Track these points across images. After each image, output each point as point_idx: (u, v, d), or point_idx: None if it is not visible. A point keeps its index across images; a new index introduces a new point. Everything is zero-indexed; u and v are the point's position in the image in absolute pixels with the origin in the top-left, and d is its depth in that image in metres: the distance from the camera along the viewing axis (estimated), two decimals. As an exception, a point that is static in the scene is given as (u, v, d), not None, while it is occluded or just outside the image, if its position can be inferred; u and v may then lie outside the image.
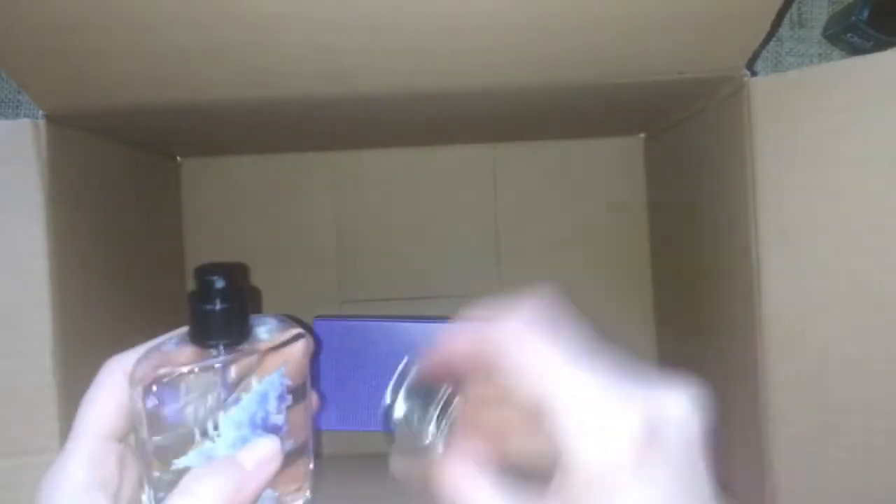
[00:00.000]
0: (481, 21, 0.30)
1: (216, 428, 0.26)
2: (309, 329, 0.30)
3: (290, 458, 0.29)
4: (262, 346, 0.27)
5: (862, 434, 0.31)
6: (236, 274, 0.26)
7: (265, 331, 0.28)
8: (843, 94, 0.31)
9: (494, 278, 0.53)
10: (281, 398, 0.28)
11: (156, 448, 0.26)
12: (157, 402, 0.25)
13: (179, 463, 0.26)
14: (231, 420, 0.26)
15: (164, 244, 0.50)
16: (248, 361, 0.27)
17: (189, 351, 0.26)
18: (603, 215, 0.53)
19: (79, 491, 0.25)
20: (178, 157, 0.53)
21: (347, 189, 0.53)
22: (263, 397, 0.27)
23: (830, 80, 0.32)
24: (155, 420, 0.25)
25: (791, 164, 0.33)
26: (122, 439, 0.27)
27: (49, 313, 0.33)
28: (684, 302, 0.46)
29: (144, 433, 0.26)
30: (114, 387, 0.27)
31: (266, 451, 0.27)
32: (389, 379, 0.48)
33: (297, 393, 0.29)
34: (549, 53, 0.33)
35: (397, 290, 0.53)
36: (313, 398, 0.32)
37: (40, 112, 0.34)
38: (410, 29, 0.31)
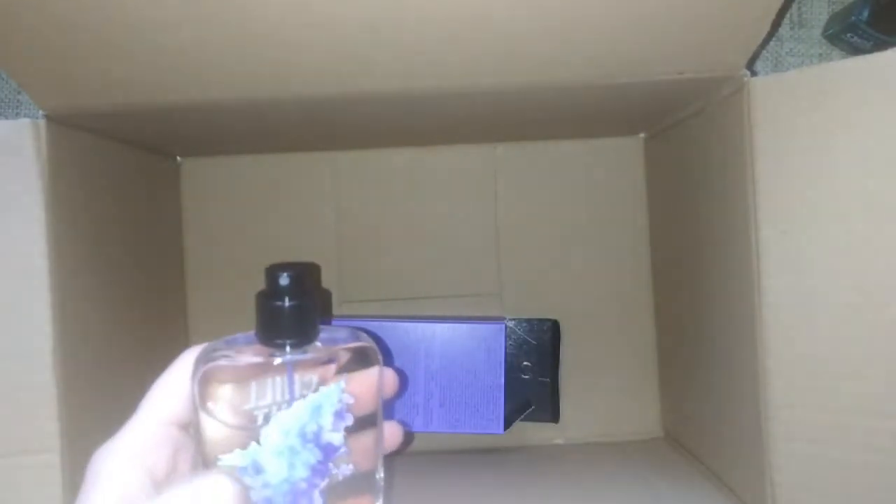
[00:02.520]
0: (481, 21, 0.30)
1: (261, 433, 0.25)
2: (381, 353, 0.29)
3: (349, 488, 0.27)
4: (323, 352, 0.26)
5: (862, 434, 0.31)
6: (306, 273, 0.26)
7: (332, 339, 0.27)
8: (843, 94, 0.31)
9: (494, 278, 0.53)
10: (339, 415, 0.26)
11: (205, 441, 0.25)
12: (210, 395, 0.25)
13: (225, 460, 0.25)
14: (279, 425, 0.25)
15: (164, 244, 0.50)
16: (304, 366, 0.26)
17: (253, 348, 0.26)
18: (603, 215, 0.53)
19: (121, 468, 0.25)
20: (178, 157, 0.53)
21: (347, 189, 0.53)
22: (317, 409, 0.26)
23: (830, 80, 0.32)
24: (207, 413, 0.25)
25: (791, 164, 0.33)
26: (185, 428, 0.27)
27: (49, 313, 0.33)
28: (684, 302, 0.46)
29: (197, 424, 0.25)
30: (185, 375, 0.27)
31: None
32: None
33: (364, 419, 0.28)
34: (549, 53, 0.33)
35: (397, 290, 0.53)
36: (392, 432, 0.30)
37: (40, 112, 0.34)
38: (410, 29, 0.31)
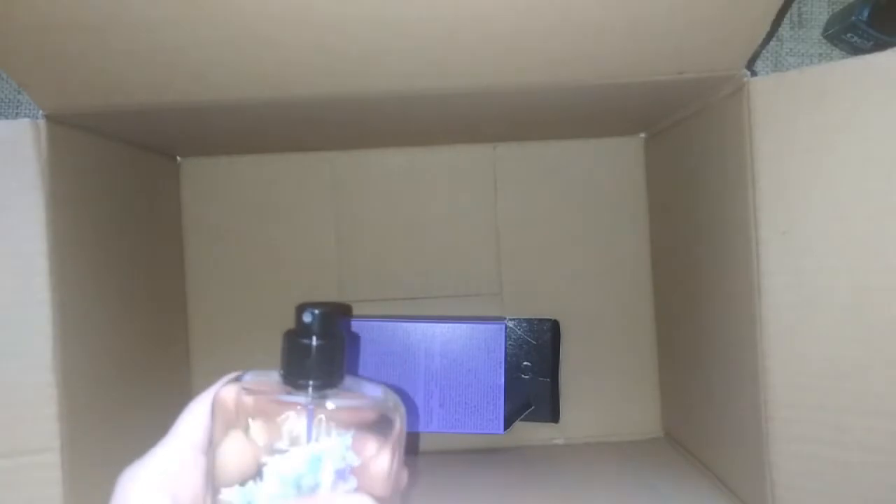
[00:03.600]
0: (482, 21, 0.30)
1: (261, 472, 0.24)
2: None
3: None
4: (347, 400, 0.25)
5: (862, 434, 0.31)
6: (334, 314, 0.25)
7: (359, 391, 0.26)
8: (843, 94, 0.31)
9: (494, 278, 0.53)
10: (340, 475, 0.24)
11: (215, 470, 0.25)
12: (225, 425, 0.24)
13: (224, 494, 0.24)
14: (275, 470, 0.24)
15: (164, 244, 0.50)
16: (325, 412, 0.24)
17: (276, 385, 0.25)
18: (603, 215, 0.53)
19: (147, 494, 0.25)
20: (178, 157, 0.53)
21: (347, 189, 0.53)
22: (315, 460, 0.24)
23: (830, 80, 0.32)
24: (219, 442, 0.25)
25: (791, 164, 0.33)
26: None
27: (49, 313, 0.33)
28: (684, 302, 0.46)
29: (211, 452, 0.25)
30: None
31: None
32: (389, 378, 0.48)
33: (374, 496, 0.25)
34: (549, 53, 0.33)
35: (397, 290, 0.53)
36: None
37: (40, 112, 0.34)
38: (410, 29, 0.31)
